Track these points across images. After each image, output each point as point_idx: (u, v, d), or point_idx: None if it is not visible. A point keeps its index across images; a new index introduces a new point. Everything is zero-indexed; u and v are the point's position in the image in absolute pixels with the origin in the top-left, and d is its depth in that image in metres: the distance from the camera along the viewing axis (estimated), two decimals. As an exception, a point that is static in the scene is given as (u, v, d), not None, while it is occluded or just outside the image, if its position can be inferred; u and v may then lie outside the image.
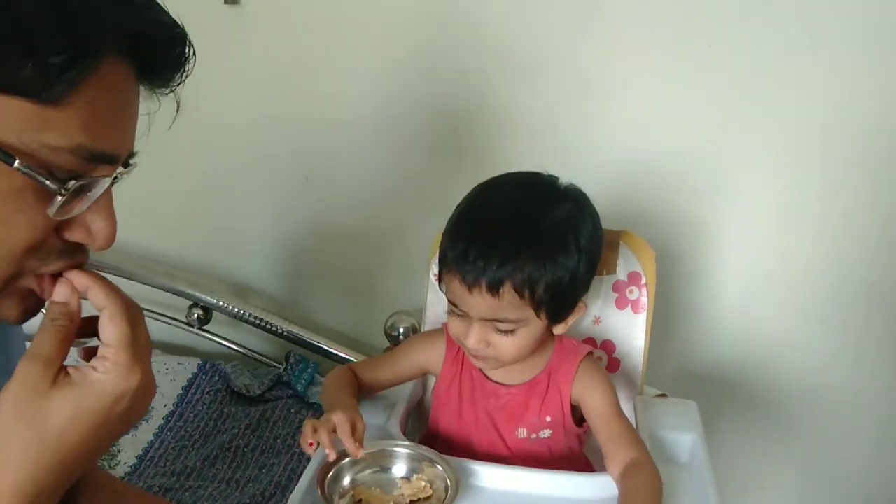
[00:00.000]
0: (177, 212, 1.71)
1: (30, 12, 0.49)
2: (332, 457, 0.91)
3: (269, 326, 1.64)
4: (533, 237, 0.93)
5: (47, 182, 0.53)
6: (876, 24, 1.35)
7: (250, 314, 1.65)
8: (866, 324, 1.54)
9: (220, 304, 1.65)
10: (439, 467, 0.95)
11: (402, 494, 0.93)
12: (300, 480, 0.93)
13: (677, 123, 1.47)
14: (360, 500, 0.93)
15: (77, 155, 0.54)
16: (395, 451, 0.97)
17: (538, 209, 0.95)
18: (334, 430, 0.91)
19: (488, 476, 0.97)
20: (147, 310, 1.72)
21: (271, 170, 1.67)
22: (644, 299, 1.17)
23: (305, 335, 1.64)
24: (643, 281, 1.17)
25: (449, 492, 0.91)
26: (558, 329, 1.00)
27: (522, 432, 1.04)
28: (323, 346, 1.64)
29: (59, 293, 0.61)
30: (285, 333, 1.64)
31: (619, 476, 0.95)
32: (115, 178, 0.58)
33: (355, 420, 0.92)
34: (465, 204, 1.00)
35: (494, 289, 0.92)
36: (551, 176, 1.01)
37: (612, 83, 1.47)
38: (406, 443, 0.99)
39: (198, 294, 1.66)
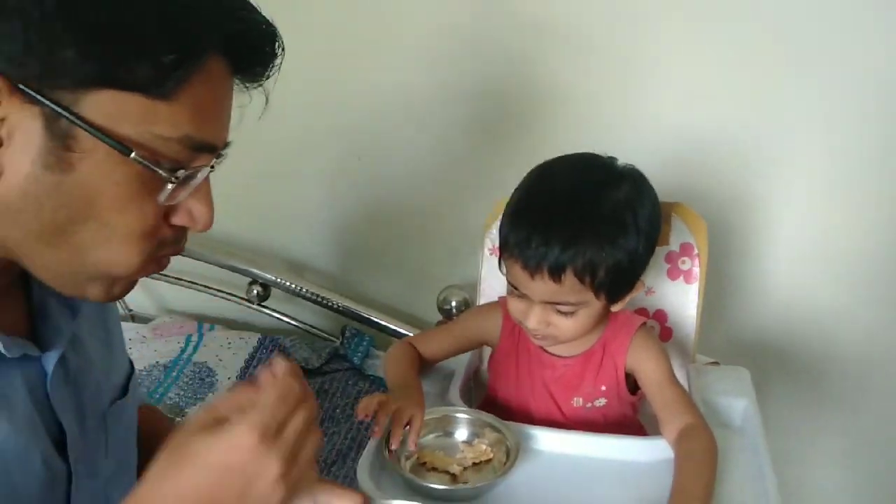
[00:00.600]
0: (236, 193, 1.74)
1: (144, 16, 0.54)
2: (378, 435, 0.96)
3: (325, 302, 1.69)
4: (592, 222, 0.95)
5: (160, 171, 0.58)
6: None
7: (307, 290, 1.70)
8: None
9: (278, 280, 1.71)
10: (500, 432, 0.99)
11: (465, 457, 0.97)
12: (368, 443, 0.98)
13: (724, 97, 1.47)
14: (425, 463, 0.97)
15: (183, 144, 0.59)
16: (457, 417, 1.01)
17: (597, 193, 0.97)
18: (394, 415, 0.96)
19: (546, 440, 1.00)
20: (208, 287, 1.82)
21: (325, 152, 1.71)
22: (696, 269, 1.19)
23: (360, 310, 1.69)
24: (695, 252, 1.19)
25: (510, 455, 0.95)
26: (616, 307, 1.03)
27: (578, 401, 1.07)
28: (377, 320, 1.69)
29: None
30: (341, 308, 1.70)
31: (675, 440, 0.98)
32: (212, 166, 0.63)
33: (415, 414, 0.97)
34: (525, 188, 1.02)
35: (556, 275, 0.95)
36: (609, 157, 1.02)
37: (657, 59, 1.47)
38: (467, 409, 1.03)
39: (256, 271, 1.72)
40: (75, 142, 0.55)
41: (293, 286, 1.71)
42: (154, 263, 0.64)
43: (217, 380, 1.63)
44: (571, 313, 0.98)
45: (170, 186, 0.59)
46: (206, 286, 1.79)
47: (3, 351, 0.61)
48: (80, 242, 0.59)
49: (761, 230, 1.55)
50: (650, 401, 1.04)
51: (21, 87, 0.53)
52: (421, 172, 1.68)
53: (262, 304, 1.76)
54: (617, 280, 0.98)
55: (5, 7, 0.52)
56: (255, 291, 1.74)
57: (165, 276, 1.78)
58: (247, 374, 1.64)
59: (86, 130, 0.55)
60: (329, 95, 1.66)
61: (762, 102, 1.46)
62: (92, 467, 0.72)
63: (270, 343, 1.71)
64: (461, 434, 1.01)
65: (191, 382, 1.63)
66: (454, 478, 0.96)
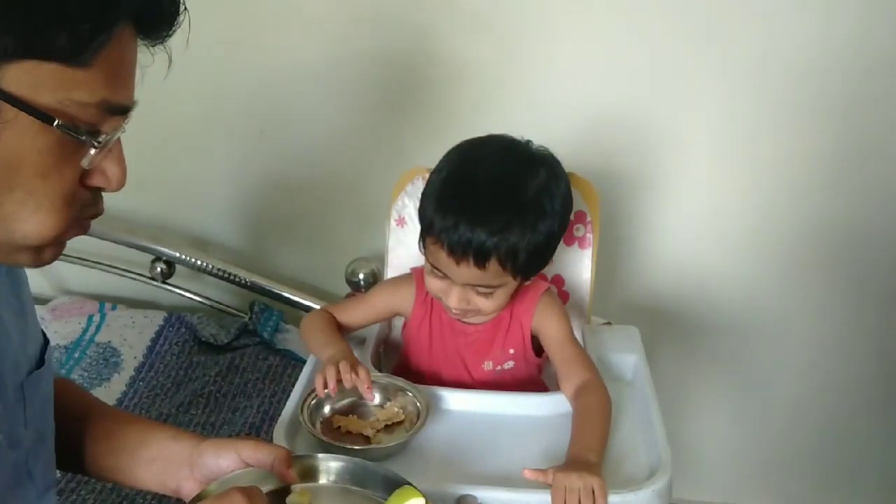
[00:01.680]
0: (137, 168, 1.71)
1: None
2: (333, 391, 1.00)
3: (232, 278, 1.69)
4: (517, 211, 1.00)
5: (84, 137, 0.59)
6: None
7: (213, 266, 1.70)
8: (794, 258, 1.67)
9: (183, 257, 1.70)
10: (410, 394, 1.04)
11: (378, 420, 1.02)
12: (284, 410, 1.01)
13: (617, 75, 1.56)
14: (339, 427, 1.02)
15: (100, 108, 0.60)
16: (369, 382, 1.05)
17: (519, 180, 1.02)
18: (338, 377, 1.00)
19: (455, 400, 1.07)
20: (110, 266, 1.78)
21: (227, 125, 1.70)
22: (590, 236, 1.27)
23: (268, 284, 1.70)
24: (588, 219, 1.27)
25: (420, 416, 1.01)
26: (528, 281, 1.09)
27: (488, 365, 1.13)
28: (286, 294, 1.70)
29: None
30: (248, 284, 1.70)
31: (573, 395, 1.05)
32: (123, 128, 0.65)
33: (356, 365, 1.01)
34: (448, 171, 1.05)
35: (481, 262, 1.00)
36: (526, 141, 1.08)
37: (555, 37, 1.54)
38: (379, 374, 1.08)
39: (160, 248, 1.70)
40: None
41: (198, 262, 1.69)
42: (78, 226, 0.65)
43: (122, 359, 1.61)
44: (490, 293, 1.04)
45: (93, 151, 0.61)
46: (107, 265, 1.76)
47: None
48: (6, 213, 0.60)
49: (653, 200, 1.65)
50: (551, 359, 1.11)
51: None
52: (324, 145, 1.70)
53: (167, 281, 1.74)
54: (535, 261, 1.05)
55: None
56: (158, 269, 1.72)
57: (64, 255, 1.74)
58: (154, 353, 1.63)
59: (6, 102, 0.56)
60: (230, 68, 1.65)
61: (652, 79, 1.55)
62: (13, 438, 0.72)
63: (177, 321, 1.70)
64: (374, 398, 1.05)
65: (94, 363, 1.61)
66: (367, 440, 1.00)
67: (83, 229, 0.66)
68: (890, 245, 1.63)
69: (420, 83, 1.63)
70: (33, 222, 0.61)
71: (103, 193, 0.67)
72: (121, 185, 0.65)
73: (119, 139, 0.65)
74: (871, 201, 1.61)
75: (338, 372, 1.00)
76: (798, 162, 1.60)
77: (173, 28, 0.64)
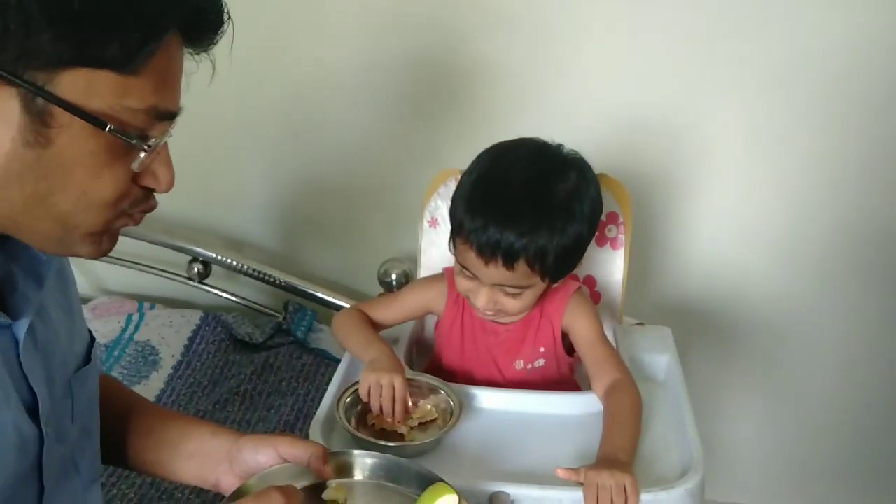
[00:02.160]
0: (175, 171, 1.77)
1: (112, 0, 0.58)
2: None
3: (267, 278, 1.72)
4: (545, 213, 1.01)
5: (133, 141, 0.62)
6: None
7: (248, 267, 1.73)
8: (827, 258, 1.66)
9: (219, 257, 1.73)
10: (443, 392, 1.06)
11: (411, 417, 1.04)
12: (319, 408, 1.03)
13: (651, 76, 1.55)
14: (373, 424, 1.03)
15: (149, 114, 0.63)
16: (402, 380, 1.07)
17: (548, 184, 1.03)
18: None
19: (487, 399, 1.08)
20: (148, 266, 1.82)
21: (263, 129, 1.73)
22: (622, 237, 1.27)
23: (302, 285, 1.73)
24: (620, 220, 1.27)
25: (454, 414, 1.02)
26: (555, 284, 1.10)
27: (520, 363, 1.14)
28: (319, 294, 1.73)
29: None
30: (283, 284, 1.73)
31: (604, 394, 1.06)
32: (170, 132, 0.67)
33: (397, 383, 1.02)
34: (478, 174, 1.07)
35: (510, 263, 1.01)
36: (557, 145, 1.09)
37: (589, 39, 1.55)
38: (413, 372, 1.09)
39: (197, 249, 1.74)
40: (52, 118, 0.59)
41: (234, 263, 1.73)
42: (129, 218, 0.69)
43: (160, 358, 1.65)
44: (518, 294, 1.05)
45: (142, 154, 0.64)
46: (145, 265, 1.80)
47: None
48: (61, 211, 0.63)
49: (685, 201, 1.65)
50: (582, 358, 1.12)
51: None
52: (357, 148, 1.72)
53: (203, 281, 1.78)
54: (563, 264, 1.06)
55: None
56: (195, 269, 1.76)
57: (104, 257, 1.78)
58: (191, 352, 1.67)
59: (62, 107, 0.58)
60: (265, 73, 1.68)
61: (687, 81, 1.55)
62: (61, 432, 0.75)
63: (213, 320, 1.73)
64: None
65: (133, 361, 1.64)
66: (401, 437, 1.02)
67: (134, 221, 0.70)
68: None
69: (451, 86, 1.64)
70: (88, 218, 0.65)
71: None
72: (170, 186, 0.68)
73: (167, 143, 0.67)
74: (906, 201, 1.60)
75: (383, 394, 1.02)
76: (831, 162, 1.59)
77: (217, 37, 0.67)
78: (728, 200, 1.65)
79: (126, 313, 1.76)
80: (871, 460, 1.82)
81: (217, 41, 0.68)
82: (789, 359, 1.77)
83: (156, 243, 1.73)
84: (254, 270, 1.73)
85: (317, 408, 1.51)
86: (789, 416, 1.83)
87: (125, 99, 0.61)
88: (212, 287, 1.80)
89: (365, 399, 1.02)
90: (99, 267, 1.84)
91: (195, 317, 1.75)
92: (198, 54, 0.69)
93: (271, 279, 1.73)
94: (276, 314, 1.80)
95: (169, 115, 0.65)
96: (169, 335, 1.70)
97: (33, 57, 0.57)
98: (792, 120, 1.56)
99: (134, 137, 0.63)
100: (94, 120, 0.60)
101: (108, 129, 0.61)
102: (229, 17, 0.67)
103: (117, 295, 1.87)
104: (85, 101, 0.59)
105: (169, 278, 1.80)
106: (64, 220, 0.64)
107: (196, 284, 1.78)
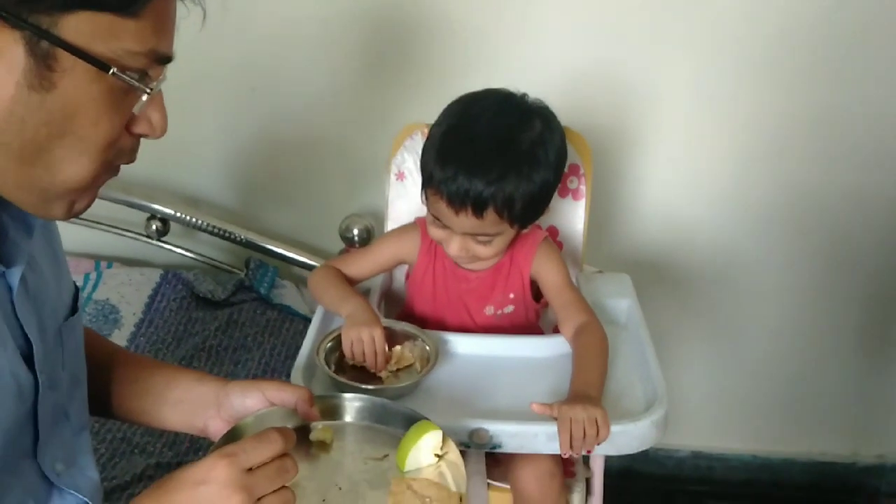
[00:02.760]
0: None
1: None
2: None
3: (227, 235, 1.72)
4: (512, 162, 1.05)
5: (137, 84, 0.62)
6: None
7: (208, 224, 1.72)
8: (769, 210, 1.74)
9: (178, 214, 1.71)
10: (419, 338, 1.09)
11: (390, 363, 1.07)
12: (299, 354, 1.06)
13: (602, 31, 1.59)
14: (353, 367, 1.06)
15: (149, 57, 0.63)
16: (380, 328, 1.10)
17: (515, 132, 1.07)
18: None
19: (461, 344, 1.12)
20: (105, 225, 1.80)
21: (219, 83, 1.71)
22: (583, 188, 1.32)
23: (263, 241, 1.73)
24: (581, 172, 1.32)
25: (430, 359, 1.06)
26: (526, 229, 1.14)
27: (490, 309, 1.19)
28: (281, 251, 1.73)
29: None
30: (244, 241, 1.73)
31: (572, 336, 1.11)
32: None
33: (376, 334, 1.06)
34: (447, 125, 1.09)
35: (479, 211, 1.04)
36: (522, 94, 1.12)
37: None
38: (390, 321, 1.12)
39: (154, 206, 1.71)
40: (56, 62, 0.59)
41: (193, 220, 1.71)
42: (112, 171, 0.69)
43: (121, 316, 1.64)
44: (489, 241, 1.09)
45: (144, 98, 0.64)
46: (101, 224, 1.77)
47: None
48: (54, 158, 0.63)
49: (639, 154, 1.70)
50: (550, 303, 1.17)
51: (2, 14, 0.56)
52: (315, 103, 1.72)
53: (162, 239, 1.76)
54: (531, 210, 1.10)
55: None
56: (153, 227, 1.74)
57: (57, 215, 1.75)
58: (152, 310, 1.66)
59: (66, 50, 0.59)
60: (221, 27, 1.64)
61: (639, 38, 1.60)
62: (53, 379, 0.76)
63: (174, 277, 1.73)
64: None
65: (94, 320, 1.63)
66: (380, 381, 1.05)
67: (115, 172, 0.70)
68: (859, 205, 1.71)
69: (410, 42, 1.65)
70: (76, 166, 0.64)
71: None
72: (163, 131, 0.69)
73: (160, 90, 0.68)
74: (843, 163, 1.68)
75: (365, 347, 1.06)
76: (775, 119, 1.66)
77: None
78: (678, 154, 1.71)
79: (83, 272, 1.74)
80: (808, 400, 1.93)
81: None
82: (732, 305, 1.86)
83: (113, 201, 1.70)
84: (214, 227, 1.72)
85: (284, 361, 1.54)
86: (731, 359, 1.93)
87: (126, 42, 0.61)
88: (171, 244, 1.79)
89: (348, 353, 1.05)
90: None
91: (155, 275, 1.74)
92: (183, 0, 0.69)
93: (232, 236, 1.73)
94: (237, 271, 1.80)
95: (166, 59, 0.66)
96: (129, 293, 1.69)
97: (37, 0, 0.57)
98: (739, 77, 1.63)
99: (137, 80, 0.63)
100: (98, 63, 0.60)
101: (111, 71, 0.61)
102: None
103: (73, 255, 1.83)
104: (88, 44, 0.59)
105: (126, 236, 1.78)
106: (54, 169, 0.63)
107: (155, 243, 1.77)
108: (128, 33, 0.61)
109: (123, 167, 0.71)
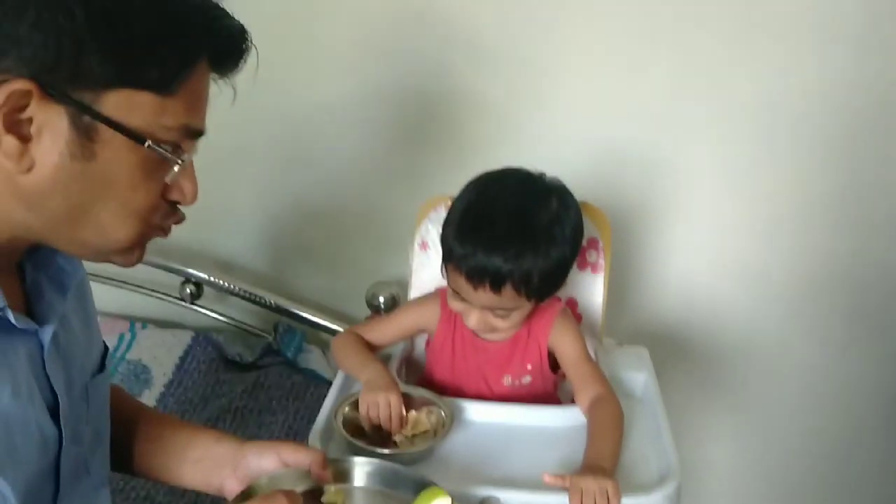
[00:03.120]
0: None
1: (154, 28, 0.65)
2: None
3: (258, 299, 1.77)
4: (529, 240, 1.08)
5: (170, 156, 0.68)
6: (802, 21, 1.54)
7: (239, 288, 1.77)
8: (793, 286, 1.74)
9: (211, 279, 1.78)
10: (436, 404, 1.11)
11: (405, 428, 1.09)
12: (318, 417, 1.09)
13: (629, 110, 1.63)
14: (369, 433, 1.08)
15: (181, 132, 0.70)
16: (397, 393, 1.12)
17: (532, 210, 1.10)
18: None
19: (476, 411, 1.13)
20: (141, 287, 1.86)
21: (256, 153, 1.79)
22: (602, 262, 1.34)
23: (292, 306, 1.78)
24: (600, 245, 1.34)
25: (445, 425, 1.07)
26: (544, 302, 1.16)
27: (507, 379, 1.20)
28: (308, 316, 1.77)
29: None
30: (273, 305, 1.77)
31: (588, 408, 1.12)
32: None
33: (393, 401, 1.08)
34: (467, 203, 1.13)
35: (497, 287, 1.07)
36: (540, 173, 1.15)
37: (568, 72, 1.63)
38: (407, 386, 1.15)
39: (190, 270, 1.78)
40: (97, 134, 0.65)
41: (226, 284, 1.77)
42: (159, 230, 0.76)
43: (152, 376, 1.68)
44: (506, 315, 1.12)
45: (176, 168, 0.70)
46: (138, 286, 1.84)
47: (13, 322, 0.69)
48: (100, 221, 0.69)
49: (662, 229, 1.72)
50: (567, 374, 1.18)
51: (50, 91, 0.62)
52: (346, 175, 1.78)
53: (195, 302, 1.82)
54: (548, 285, 1.12)
55: (42, 21, 0.60)
56: (187, 290, 1.80)
57: (96, 276, 1.81)
58: (182, 371, 1.70)
59: (106, 124, 0.64)
60: (259, 101, 1.73)
61: (662, 116, 1.63)
62: (77, 434, 0.79)
63: (204, 340, 1.77)
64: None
65: (125, 380, 1.67)
66: (396, 447, 1.07)
67: (165, 233, 0.77)
68: (885, 275, 1.70)
69: (437, 116, 1.71)
70: (122, 227, 0.71)
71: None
72: (194, 198, 0.74)
73: (192, 161, 0.73)
74: (868, 233, 1.69)
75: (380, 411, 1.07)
76: (797, 196, 1.68)
77: (242, 63, 0.74)
78: (700, 229, 1.73)
79: (118, 333, 1.80)
80: (837, 478, 1.89)
81: (241, 67, 0.74)
82: (757, 380, 1.84)
83: (149, 264, 1.77)
84: (245, 292, 1.77)
85: (307, 425, 1.56)
86: (757, 436, 1.90)
87: (161, 117, 0.67)
88: (203, 308, 1.84)
89: (365, 416, 1.07)
90: (93, 287, 1.86)
91: (186, 337, 1.79)
92: (221, 79, 0.75)
93: (262, 300, 1.78)
94: (265, 335, 1.84)
95: (197, 133, 0.72)
96: (160, 354, 1.74)
97: (83, 78, 0.63)
98: (760, 155, 1.65)
99: (170, 153, 0.69)
100: (135, 136, 0.66)
101: (146, 144, 0.67)
102: (253, 46, 0.74)
103: (110, 315, 1.90)
104: (127, 118, 0.65)
105: (161, 299, 1.84)
106: (103, 229, 0.70)
107: (188, 305, 1.82)
108: (163, 110, 0.67)
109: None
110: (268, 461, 0.90)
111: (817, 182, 1.66)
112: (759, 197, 1.69)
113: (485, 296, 1.09)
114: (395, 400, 1.07)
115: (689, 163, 1.67)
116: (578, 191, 1.21)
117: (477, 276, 1.07)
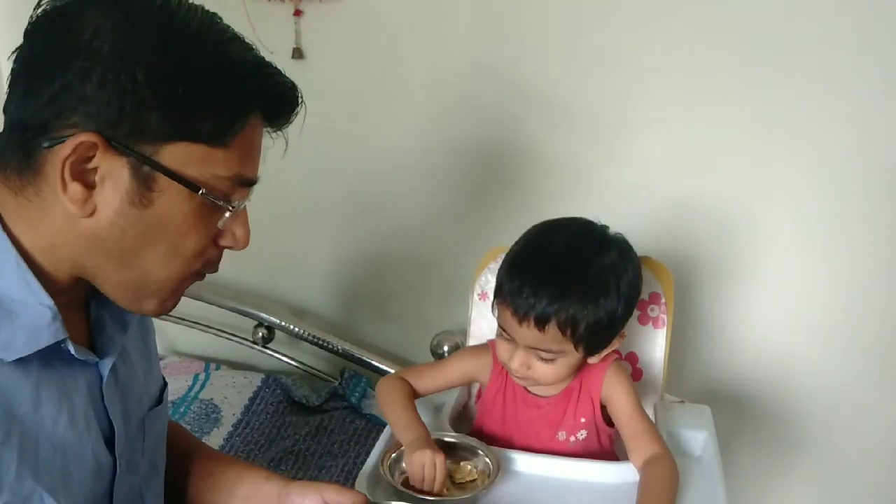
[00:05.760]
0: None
1: (209, 85, 0.70)
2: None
3: (326, 345, 1.82)
4: (579, 282, 1.08)
5: (222, 204, 0.73)
6: (879, 74, 1.51)
7: (309, 333, 1.83)
8: (877, 346, 1.66)
9: (283, 324, 1.84)
10: (482, 454, 1.11)
11: (452, 477, 1.09)
12: (366, 461, 1.10)
13: (700, 164, 1.62)
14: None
15: (234, 181, 0.74)
16: (445, 441, 1.13)
17: (587, 256, 1.10)
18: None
19: (525, 463, 1.12)
20: (217, 330, 1.94)
21: (332, 206, 1.86)
22: (664, 317, 1.32)
23: (359, 353, 1.81)
24: (663, 300, 1.32)
25: (492, 475, 1.07)
26: (593, 360, 1.14)
27: (562, 435, 1.18)
28: (374, 363, 1.81)
29: None
30: (341, 351, 1.82)
31: (642, 466, 1.09)
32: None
33: (438, 462, 1.06)
34: (524, 243, 1.15)
35: (541, 324, 1.07)
36: (603, 226, 1.16)
37: (638, 129, 1.63)
38: (455, 434, 1.15)
39: (263, 315, 1.85)
40: (155, 183, 0.70)
41: (296, 329, 1.83)
42: (197, 277, 0.79)
43: (222, 416, 1.74)
44: (551, 360, 1.11)
45: (227, 215, 0.74)
46: (214, 328, 1.92)
47: (74, 353, 0.74)
48: (148, 263, 0.74)
49: (732, 285, 1.68)
50: (620, 430, 1.16)
51: (114, 143, 0.68)
52: (416, 226, 1.83)
53: (267, 345, 1.88)
54: (595, 336, 1.10)
55: (106, 82, 0.66)
56: (260, 334, 1.87)
57: (177, 318, 1.91)
58: (251, 411, 1.75)
59: (164, 174, 0.69)
60: (335, 153, 1.82)
61: (734, 169, 1.61)
62: (132, 464, 0.84)
63: (273, 382, 1.83)
64: (449, 456, 1.12)
65: (197, 418, 1.74)
66: (441, 494, 1.07)
67: (200, 278, 0.80)
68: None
69: (505, 170, 1.74)
70: (167, 271, 0.75)
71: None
72: (245, 244, 0.79)
73: (245, 207, 0.78)
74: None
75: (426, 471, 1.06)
76: (880, 252, 1.61)
77: (292, 117, 0.78)
78: (775, 287, 1.67)
79: (194, 373, 1.87)
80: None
81: (292, 121, 0.79)
82: (841, 447, 1.74)
83: (225, 308, 1.85)
84: (314, 337, 1.82)
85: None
86: (840, 501, 1.79)
87: (215, 168, 0.72)
88: (274, 351, 1.90)
89: (411, 476, 1.07)
90: (172, 329, 1.96)
91: (257, 379, 1.84)
92: (274, 132, 0.80)
93: (330, 346, 1.82)
94: (332, 379, 1.88)
95: (249, 183, 0.76)
96: (231, 395, 1.80)
97: (143, 132, 0.68)
98: (844, 211, 1.60)
99: (221, 200, 0.73)
100: (190, 185, 0.71)
101: (200, 192, 0.71)
102: (303, 102, 0.78)
103: (187, 356, 1.98)
104: (183, 169, 0.70)
105: (235, 341, 1.91)
106: (147, 272, 0.74)
107: (260, 348, 1.89)
108: (217, 161, 0.72)
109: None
110: (311, 501, 0.92)
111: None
112: (842, 253, 1.63)
113: (529, 333, 1.08)
114: (440, 462, 1.06)
115: (763, 219, 1.63)
116: (643, 243, 1.20)
117: (522, 311, 1.07)
